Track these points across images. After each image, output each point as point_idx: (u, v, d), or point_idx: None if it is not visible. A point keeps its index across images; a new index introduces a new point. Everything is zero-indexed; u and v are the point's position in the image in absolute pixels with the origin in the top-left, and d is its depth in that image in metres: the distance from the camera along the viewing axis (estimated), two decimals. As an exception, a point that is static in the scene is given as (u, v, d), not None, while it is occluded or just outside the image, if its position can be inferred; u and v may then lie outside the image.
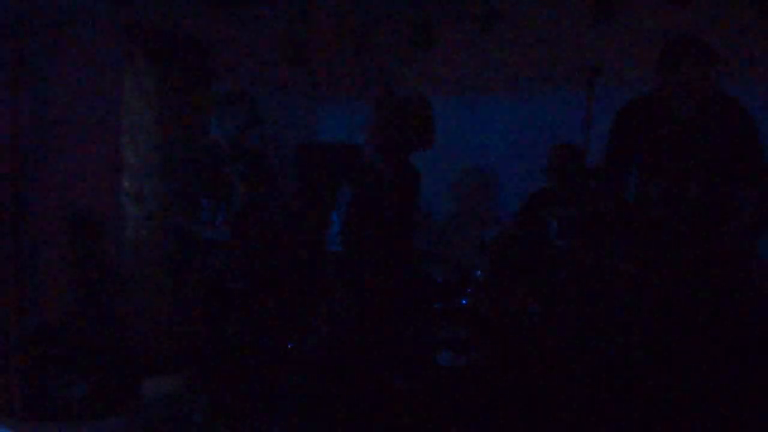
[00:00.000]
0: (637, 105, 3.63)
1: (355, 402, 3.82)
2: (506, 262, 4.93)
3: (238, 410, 4.32)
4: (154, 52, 5.38)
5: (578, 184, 4.84)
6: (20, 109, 4.47)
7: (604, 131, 3.71)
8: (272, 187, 4.41)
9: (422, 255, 5.40)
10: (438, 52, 6.20)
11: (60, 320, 4.49)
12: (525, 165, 5.54)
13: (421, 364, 4.17)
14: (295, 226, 4.82)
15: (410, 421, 3.80)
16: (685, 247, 3.40)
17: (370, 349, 3.79)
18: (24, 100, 4.49)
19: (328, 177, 4.33)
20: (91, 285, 4.60)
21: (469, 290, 4.87)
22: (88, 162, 4.94)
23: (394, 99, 3.77)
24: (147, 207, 5.27)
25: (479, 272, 5.06)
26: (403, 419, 3.78)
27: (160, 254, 5.33)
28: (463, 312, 4.74)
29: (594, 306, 4.12)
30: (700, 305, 3.37)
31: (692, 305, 3.37)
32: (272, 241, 4.37)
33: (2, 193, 4.39)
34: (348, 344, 3.88)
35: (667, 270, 3.42)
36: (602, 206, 3.71)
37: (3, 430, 3.96)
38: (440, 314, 4.69)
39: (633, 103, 3.65)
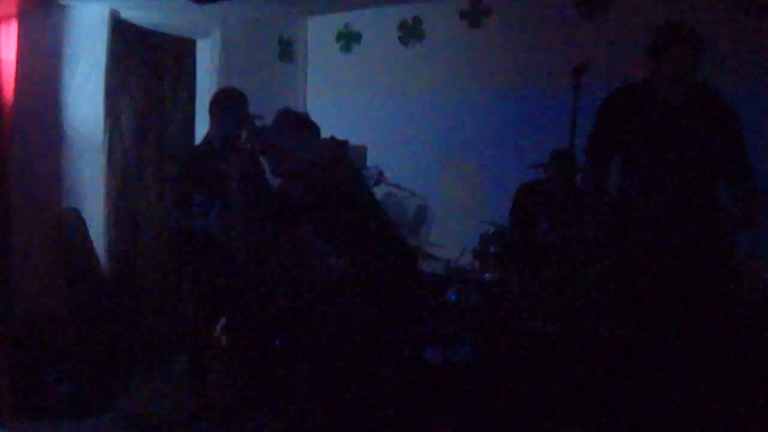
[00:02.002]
0: (623, 93, 3.59)
1: (343, 396, 3.84)
2: (501, 260, 4.97)
3: (227, 406, 4.34)
4: (140, 49, 5.37)
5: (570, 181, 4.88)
6: (5, 107, 4.46)
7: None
8: (265, 185, 4.39)
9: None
10: (427, 48, 6.23)
11: (47, 317, 4.48)
12: (513, 160, 5.57)
13: (409, 360, 4.18)
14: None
15: (398, 417, 3.81)
16: (665, 241, 3.42)
17: (360, 345, 3.79)
18: (9, 98, 4.48)
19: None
20: (78, 282, 4.60)
21: (457, 285, 4.89)
22: (74, 158, 4.94)
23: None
24: (134, 204, 5.28)
25: (468, 267, 5.09)
26: (391, 415, 3.78)
27: (149, 251, 5.35)
28: (451, 308, 4.76)
29: (580, 302, 4.15)
30: (681, 300, 3.39)
31: (673, 300, 3.39)
32: (266, 236, 4.37)
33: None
34: (338, 340, 3.89)
35: (649, 264, 3.44)
36: (586, 200, 3.71)
37: None
38: (429, 310, 4.70)
39: (620, 91, 3.61)
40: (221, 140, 4.23)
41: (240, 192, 4.07)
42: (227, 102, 4.27)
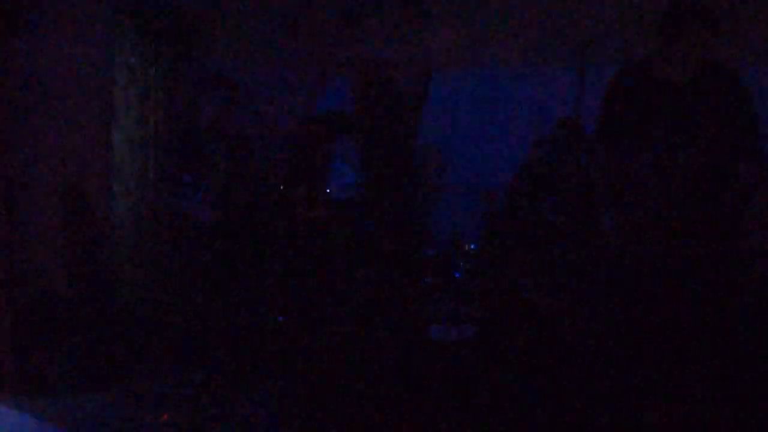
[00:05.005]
0: (632, 69, 3.55)
1: (347, 373, 3.85)
2: (501, 236, 4.96)
3: (230, 384, 4.35)
4: (143, 27, 5.35)
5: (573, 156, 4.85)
6: (9, 83, 4.45)
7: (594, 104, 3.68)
8: (250, 167, 4.55)
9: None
10: (431, 24, 6.17)
11: (52, 293, 4.49)
12: (516, 139, 5.55)
13: (415, 337, 4.18)
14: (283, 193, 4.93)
15: (403, 394, 3.82)
16: (677, 219, 3.39)
17: (366, 322, 3.80)
18: (13, 72, 4.47)
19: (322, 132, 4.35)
20: (82, 259, 4.61)
21: (462, 263, 4.89)
22: (79, 135, 4.93)
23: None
24: (130, 183, 5.29)
25: (473, 245, 5.09)
26: (396, 392, 3.79)
27: (144, 229, 5.36)
28: (456, 285, 4.76)
29: (587, 281, 4.14)
30: (692, 279, 3.37)
31: (684, 279, 3.37)
32: (254, 214, 4.47)
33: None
34: (343, 316, 3.90)
35: (659, 242, 3.41)
36: (593, 177, 3.68)
37: None
38: (433, 287, 4.70)
39: (629, 67, 3.57)
40: (209, 122, 4.35)
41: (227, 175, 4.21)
42: (215, 86, 4.39)
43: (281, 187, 5.01)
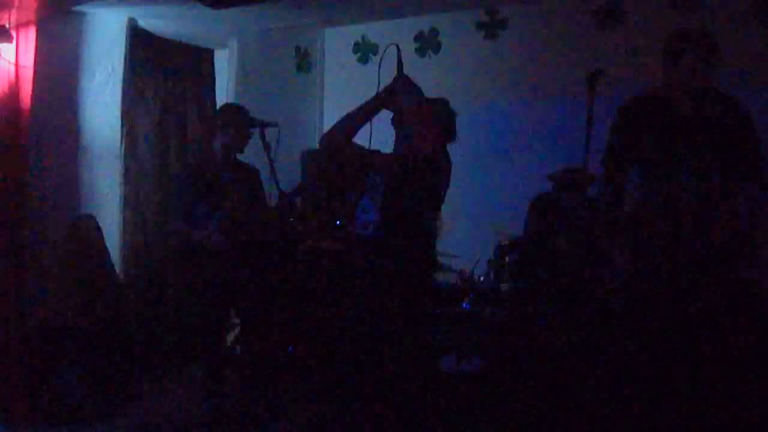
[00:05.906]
0: (637, 102, 3.58)
1: (358, 406, 3.83)
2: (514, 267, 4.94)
3: (242, 413, 4.33)
4: (156, 58, 5.42)
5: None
6: (23, 113, 4.51)
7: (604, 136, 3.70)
8: (262, 196, 4.56)
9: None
10: (443, 59, 6.24)
11: (62, 322, 4.50)
12: (528, 170, 5.56)
13: (424, 369, 4.15)
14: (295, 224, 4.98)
15: (412, 425, 3.79)
16: (684, 247, 3.38)
17: (375, 352, 3.78)
18: (27, 104, 4.52)
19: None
20: (91, 286, 4.62)
21: (471, 295, 4.87)
22: (91, 165, 4.99)
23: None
24: (143, 212, 5.32)
25: (482, 277, 5.08)
26: (405, 423, 3.76)
27: (156, 258, 5.38)
28: (465, 317, 4.74)
29: (595, 312, 4.11)
30: (696, 305, 3.35)
31: (689, 305, 3.35)
32: (265, 243, 4.49)
33: (5, 195, 4.42)
34: (353, 346, 3.88)
35: (666, 270, 3.40)
36: (602, 208, 3.68)
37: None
38: (443, 319, 4.68)
39: (634, 100, 3.60)
40: (223, 153, 4.37)
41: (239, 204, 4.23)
42: (228, 117, 4.40)
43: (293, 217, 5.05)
